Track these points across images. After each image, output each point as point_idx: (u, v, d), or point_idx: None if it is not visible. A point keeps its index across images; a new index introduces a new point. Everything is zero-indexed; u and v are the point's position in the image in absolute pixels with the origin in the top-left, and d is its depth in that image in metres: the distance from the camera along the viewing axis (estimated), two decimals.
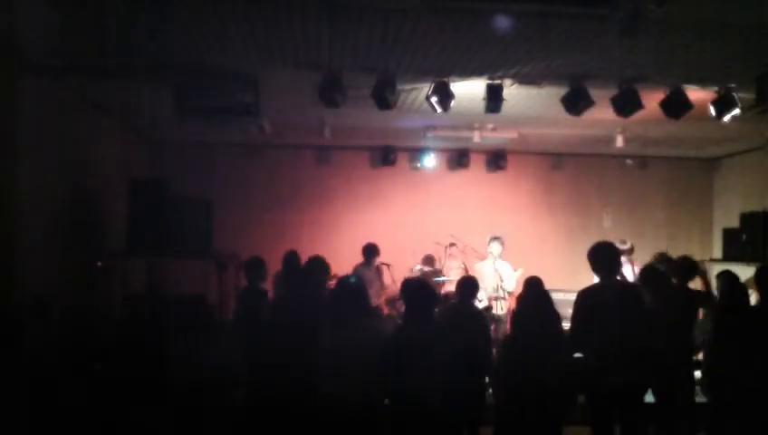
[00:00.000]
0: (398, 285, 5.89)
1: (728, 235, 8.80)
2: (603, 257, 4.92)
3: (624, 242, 8.31)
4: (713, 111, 6.52)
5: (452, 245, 9.38)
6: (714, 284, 6.01)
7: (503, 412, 4.74)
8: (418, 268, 9.22)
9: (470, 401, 5.00)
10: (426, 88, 6.40)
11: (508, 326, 6.69)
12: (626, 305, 4.75)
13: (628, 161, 11.00)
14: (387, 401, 4.38)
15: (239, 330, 5.47)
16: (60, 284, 6.09)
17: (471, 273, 8.11)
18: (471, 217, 10.22)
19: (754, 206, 8.69)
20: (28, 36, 5.13)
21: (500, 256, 8.38)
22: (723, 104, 6.44)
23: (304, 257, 5.93)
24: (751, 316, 5.10)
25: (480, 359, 5.05)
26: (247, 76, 6.31)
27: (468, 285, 5.53)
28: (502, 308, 8.24)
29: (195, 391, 4.39)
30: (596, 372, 4.66)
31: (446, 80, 6.22)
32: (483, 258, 8.64)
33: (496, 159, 10.76)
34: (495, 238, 8.43)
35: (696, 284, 6.07)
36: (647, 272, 5.80)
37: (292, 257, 6.25)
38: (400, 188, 10.78)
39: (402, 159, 10.73)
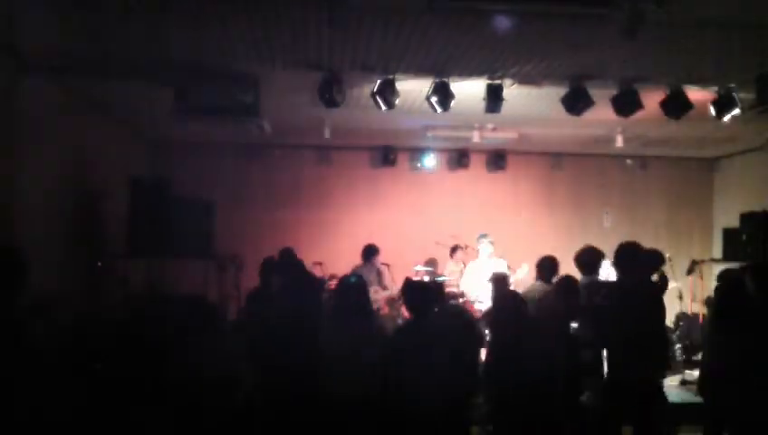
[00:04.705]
0: (399, 285, 5.89)
1: (728, 235, 8.79)
2: (626, 256, 5.01)
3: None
4: (713, 111, 6.52)
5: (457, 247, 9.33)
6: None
7: (498, 410, 4.74)
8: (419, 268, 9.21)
9: (465, 401, 4.99)
10: (426, 88, 6.40)
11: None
12: (645, 301, 4.85)
13: (629, 161, 11.00)
14: (386, 400, 4.37)
15: (243, 330, 5.46)
16: (60, 284, 6.08)
17: (464, 274, 8.10)
18: (471, 217, 10.20)
19: (754, 206, 8.67)
20: (28, 36, 5.13)
21: (492, 253, 8.29)
22: (723, 104, 6.44)
23: (305, 257, 5.90)
24: (749, 316, 5.09)
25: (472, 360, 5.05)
26: (247, 76, 6.31)
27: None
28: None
29: (195, 391, 4.38)
30: (613, 368, 4.78)
31: (446, 80, 6.22)
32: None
33: (496, 159, 10.77)
34: (484, 236, 8.32)
35: None
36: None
37: (286, 254, 6.19)
38: (400, 189, 10.78)
39: (402, 159, 10.72)
